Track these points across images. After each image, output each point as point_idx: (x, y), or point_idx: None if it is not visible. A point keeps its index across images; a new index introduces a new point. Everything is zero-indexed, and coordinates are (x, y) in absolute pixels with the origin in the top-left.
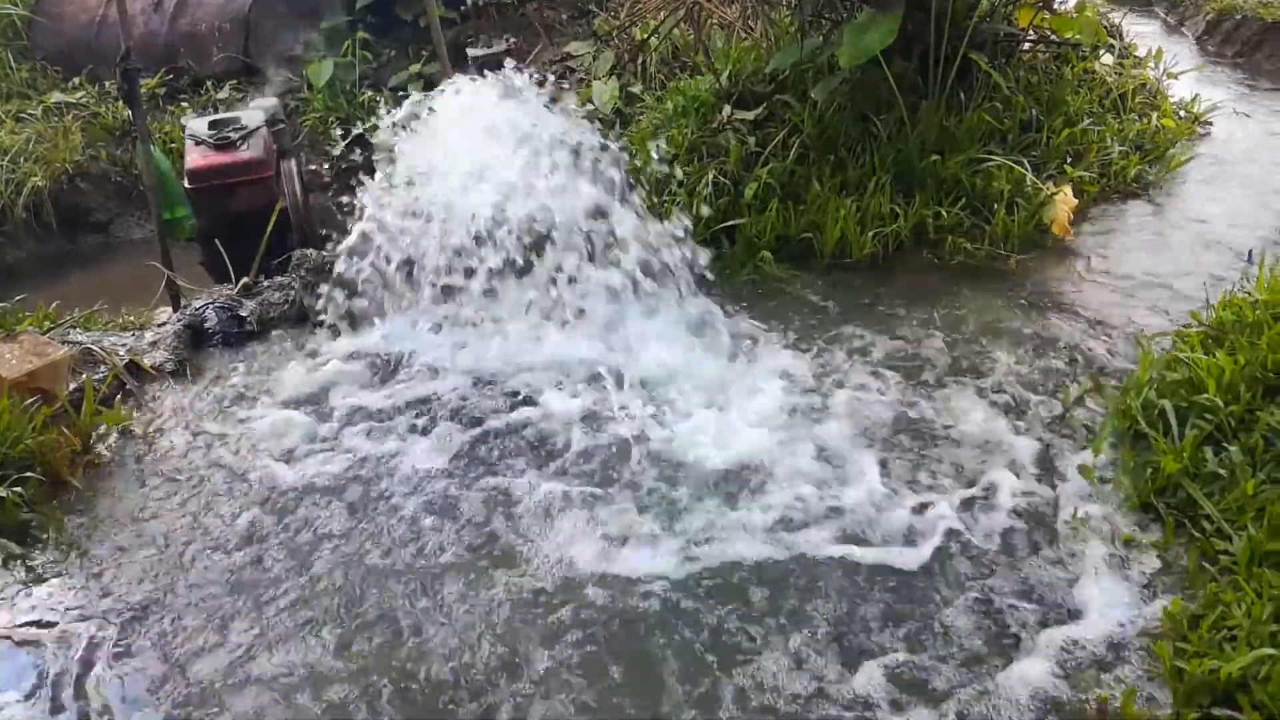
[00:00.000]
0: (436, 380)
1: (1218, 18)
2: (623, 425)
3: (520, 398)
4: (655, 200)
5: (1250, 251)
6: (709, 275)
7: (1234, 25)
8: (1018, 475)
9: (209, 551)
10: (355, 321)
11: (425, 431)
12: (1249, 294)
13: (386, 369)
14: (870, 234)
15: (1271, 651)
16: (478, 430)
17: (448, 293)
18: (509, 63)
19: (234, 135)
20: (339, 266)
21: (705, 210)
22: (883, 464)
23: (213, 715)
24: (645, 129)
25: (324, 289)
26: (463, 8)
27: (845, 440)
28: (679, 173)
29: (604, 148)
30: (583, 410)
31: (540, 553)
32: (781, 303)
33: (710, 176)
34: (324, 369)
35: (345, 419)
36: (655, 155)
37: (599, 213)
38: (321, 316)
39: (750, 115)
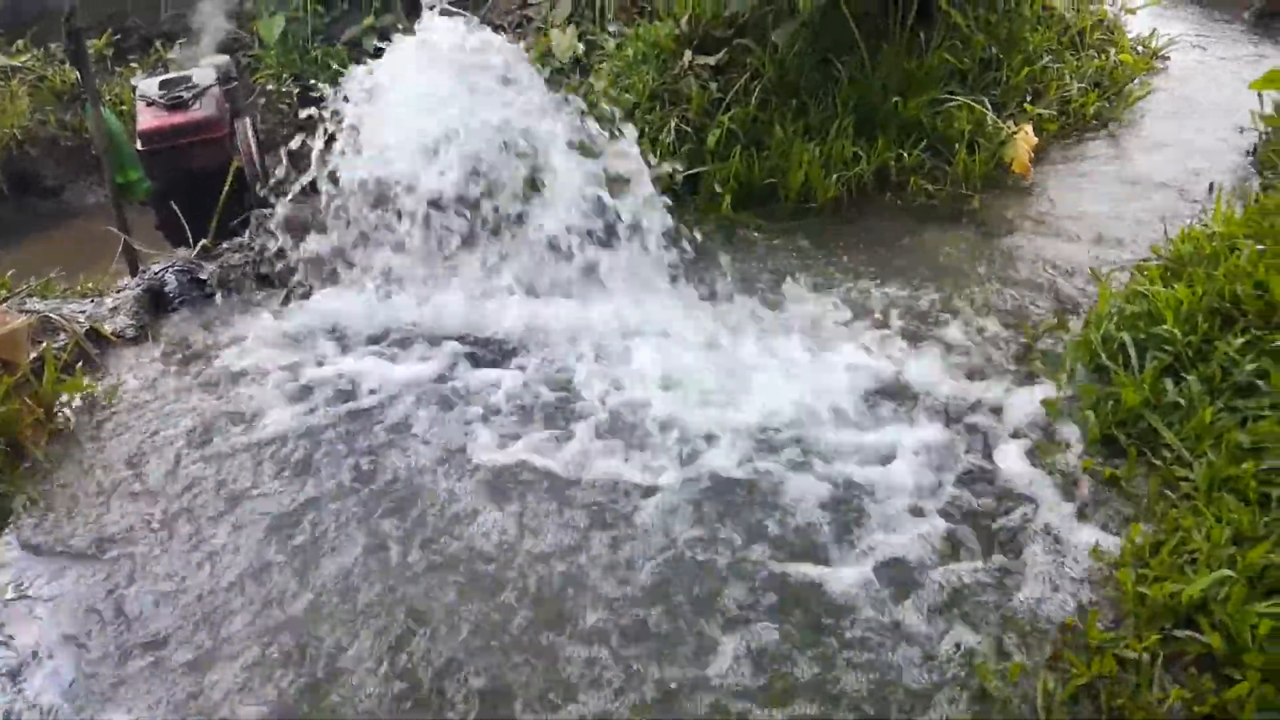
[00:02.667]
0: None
1: None
2: None
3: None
4: None
5: (1211, 184)
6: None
7: None
8: (982, 412)
9: (175, 516)
10: (319, 280)
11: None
12: (1207, 226)
13: (356, 327)
14: (834, 178)
15: (1230, 573)
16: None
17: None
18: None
19: (186, 95)
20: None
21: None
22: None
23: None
24: (606, 78)
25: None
26: None
27: None
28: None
29: None
30: None
31: None
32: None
33: (672, 125)
34: (288, 328)
35: (312, 379)
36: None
37: None
38: (295, 276)
39: (711, 60)
